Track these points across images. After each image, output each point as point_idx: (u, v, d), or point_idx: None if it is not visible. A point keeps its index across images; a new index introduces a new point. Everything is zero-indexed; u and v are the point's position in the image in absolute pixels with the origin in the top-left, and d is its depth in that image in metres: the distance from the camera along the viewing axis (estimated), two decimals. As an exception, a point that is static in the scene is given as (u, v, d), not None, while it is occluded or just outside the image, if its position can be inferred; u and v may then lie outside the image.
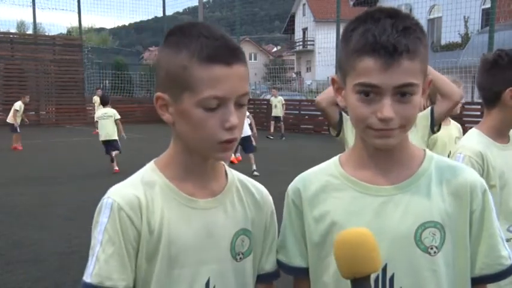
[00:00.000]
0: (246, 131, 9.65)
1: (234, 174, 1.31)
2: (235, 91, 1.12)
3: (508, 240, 2.02)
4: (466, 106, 12.24)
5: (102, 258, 1.12)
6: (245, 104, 1.17)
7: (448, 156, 3.18)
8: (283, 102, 17.42)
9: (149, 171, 1.23)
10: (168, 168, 1.22)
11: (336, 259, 1.04)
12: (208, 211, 1.21)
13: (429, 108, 2.78)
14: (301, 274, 1.30)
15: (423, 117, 2.76)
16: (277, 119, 17.36)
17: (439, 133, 3.29)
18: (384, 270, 1.17)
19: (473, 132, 2.15)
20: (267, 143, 14.67)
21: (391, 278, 1.17)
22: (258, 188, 1.34)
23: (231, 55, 1.12)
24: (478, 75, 2.14)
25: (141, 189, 1.18)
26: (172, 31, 1.19)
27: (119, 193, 1.17)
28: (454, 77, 3.46)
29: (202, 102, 1.11)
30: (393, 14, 1.13)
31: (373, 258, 1.02)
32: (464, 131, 3.33)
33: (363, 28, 1.12)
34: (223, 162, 1.29)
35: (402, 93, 1.11)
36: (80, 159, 11.56)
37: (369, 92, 1.11)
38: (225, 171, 1.30)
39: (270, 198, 1.36)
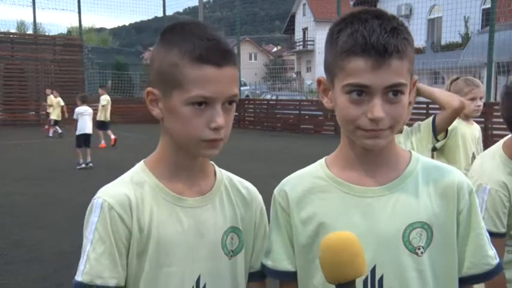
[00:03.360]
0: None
1: (222, 173, 1.33)
2: (224, 92, 1.15)
3: None
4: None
5: (92, 256, 1.14)
6: (234, 105, 1.20)
7: (473, 157, 3.22)
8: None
9: (139, 170, 1.25)
10: (157, 167, 1.24)
11: (320, 264, 1.04)
12: (197, 209, 1.23)
13: (431, 116, 2.80)
14: (288, 278, 1.28)
15: (427, 125, 2.78)
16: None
17: (465, 133, 3.32)
18: (373, 271, 1.16)
19: (496, 158, 2.08)
20: (268, 143, 14.66)
21: (380, 280, 1.17)
22: (247, 187, 1.36)
23: (221, 57, 1.14)
24: (503, 108, 2.09)
25: (131, 188, 1.20)
26: (168, 29, 1.21)
27: (109, 193, 1.19)
28: (471, 78, 3.46)
29: (190, 100, 1.14)
30: (380, 15, 1.13)
31: (358, 263, 1.00)
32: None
33: (350, 29, 1.12)
34: (212, 162, 1.31)
35: (394, 92, 1.11)
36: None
37: (361, 92, 1.11)
38: (214, 170, 1.32)
39: (259, 196, 1.38)
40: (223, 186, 1.30)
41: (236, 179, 1.36)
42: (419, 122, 2.86)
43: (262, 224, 1.36)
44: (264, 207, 1.37)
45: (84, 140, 10.79)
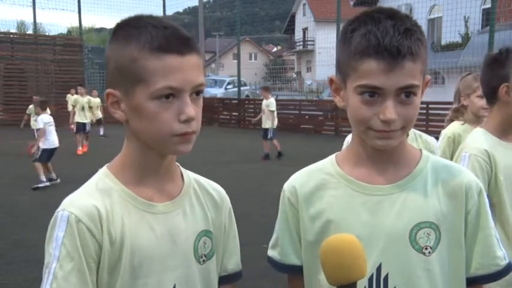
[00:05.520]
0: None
1: (189, 175, 1.28)
2: (190, 81, 1.09)
3: None
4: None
5: (60, 275, 1.06)
6: (201, 96, 1.14)
7: None
8: None
9: (103, 177, 1.18)
10: (122, 173, 1.18)
11: (322, 266, 1.04)
12: (168, 215, 1.18)
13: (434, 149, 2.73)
14: (295, 272, 1.30)
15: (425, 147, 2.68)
16: None
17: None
18: (378, 269, 1.17)
19: (478, 131, 2.12)
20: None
21: (385, 278, 1.17)
22: (215, 188, 1.32)
23: (183, 44, 1.09)
24: (481, 72, 2.16)
25: (99, 198, 1.12)
26: (119, 25, 1.15)
27: (75, 204, 1.11)
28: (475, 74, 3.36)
29: (156, 94, 1.07)
30: (393, 15, 1.12)
31: (359, 265, 1.01)
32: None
33: (364, 29, 1.11)
34: (178, 164, 1.26)
35: (406, 93, 1.11)
36: (80, 159, 11.55)
37: (374, 93, 1.11)
38: (181, 172, 1.26)
39: (227, 197, 1.34)
40: (192, 189, 1.25)
41: (204, 180, 1.31)
42: (423, 135, 2.82)
43: (231, 225, 1.33)
44: (231, 208, 1.34)
45: (51, 155, 9.10)
